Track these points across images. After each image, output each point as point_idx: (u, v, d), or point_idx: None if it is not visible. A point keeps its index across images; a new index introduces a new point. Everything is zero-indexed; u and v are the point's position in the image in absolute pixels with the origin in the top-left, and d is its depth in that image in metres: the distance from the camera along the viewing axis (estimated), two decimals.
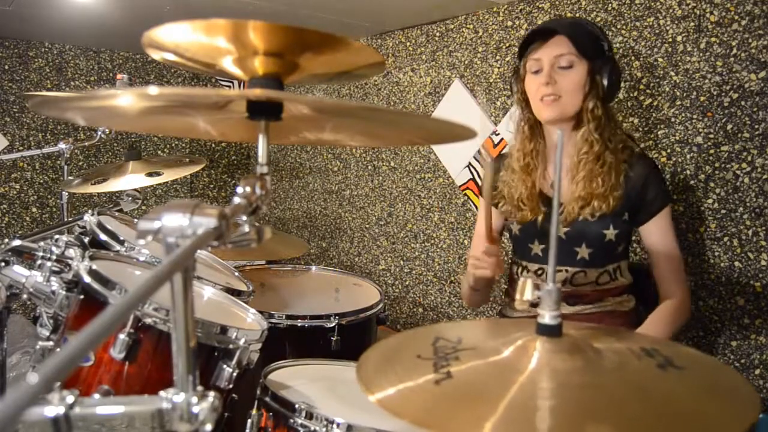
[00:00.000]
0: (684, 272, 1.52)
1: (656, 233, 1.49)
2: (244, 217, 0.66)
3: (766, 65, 1.62)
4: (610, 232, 1.47)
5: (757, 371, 1.67)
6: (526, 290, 0.79)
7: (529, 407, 0.66)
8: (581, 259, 1.50)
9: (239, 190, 0.68)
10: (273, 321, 1.65)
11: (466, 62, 2.48)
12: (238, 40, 0.68)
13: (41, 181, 3.29)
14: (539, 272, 1.58)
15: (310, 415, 1.10)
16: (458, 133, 0.71)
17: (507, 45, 2.32)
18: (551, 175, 1.56)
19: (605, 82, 1.44)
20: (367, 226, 3.02)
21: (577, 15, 2.05)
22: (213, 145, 3.82)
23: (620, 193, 1.45)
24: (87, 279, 1.14)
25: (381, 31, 2.86)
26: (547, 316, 0.76)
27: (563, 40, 1.43)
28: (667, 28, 1.82)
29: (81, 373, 1.07)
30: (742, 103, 1.66)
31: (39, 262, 1.28)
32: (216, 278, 1.52)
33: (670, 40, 1.81)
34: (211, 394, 0.59)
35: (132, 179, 1.96)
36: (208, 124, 0.86)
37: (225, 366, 1.12)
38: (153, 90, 0.58)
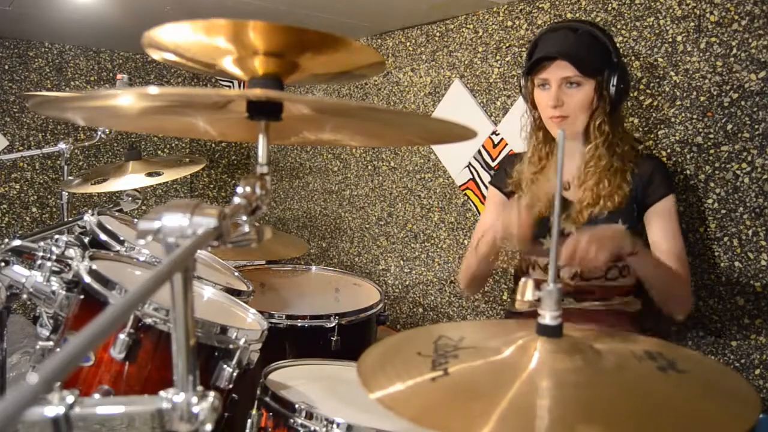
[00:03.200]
0: (686, 260, 1.49)
1: (658, 220, 1.49)
2: (244, 217, 0.66)
3: (766, 65, 1.62)
4: (620, 227, 1.49)
5: (757, 371, 1.67)
6: (526, 291, 0.79)
7: (526, 406, 0.66)
8: None
9: (239, 190, 0.68)
10: (273, 321, 1.65)
11: (466, 62, 2.48)
12: (238, 40, 0.68)
13: (41, 181, 3.29)
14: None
15: (310, 415, 1.10)
16: (458, 133, 0.71)
17: (507, 45, 2.32)
18: (564, 176, 1.58)
19: (613, 93, 1.45)
20: (367, 226, 3.02)
21: (577, 15, 2.05)
22: (213, 145, 3.82)
23: (627, 189, 1.48)
24: (87, 279, 1.14)
25: (381, 31, 2.86)
26: (547, 317, 0.76)
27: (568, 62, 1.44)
28: (667, 28, 1.82)
29: (81, 373, 1.07)
30: (742, 103, 1.66)
31: (39, 262, 1.28)
32: (216, 278, 1.52)
33: (670, 40, 1.81)
34: (211, 394, 0.59)
35: (132, 179, 1.96)
36: (208, 124, 0.86)
37: (225, 366, 1.12)
38: (153, 90, 0.58)
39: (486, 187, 2.42)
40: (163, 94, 0.62)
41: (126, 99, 0.68)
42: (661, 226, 1.50)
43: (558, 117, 1.48)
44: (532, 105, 1.57)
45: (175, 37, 0.69)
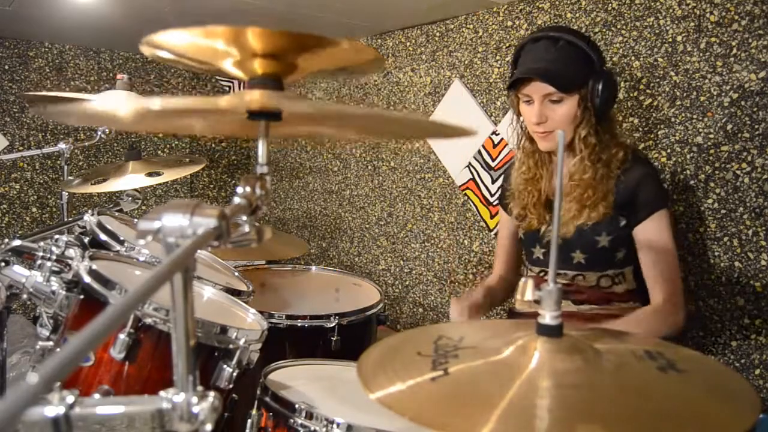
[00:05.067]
0: (676, 281, 1.45)
1: (647, 235, 1.45)
2: (244, 217, 0.66)
3: (766, 65, 1.62)
4: (603, 239, 1.48)
5: (757, 371, 1.67)
6: (526, 291, 0.79)
7: (526, 406, 0.66)
8: (578, 263, 1.53)
9: (239, 190, 0.68)
10: (273, 321, 1.65)
11: (466, 62, 2.48)
12: (237, 43, 0.68)
13: (41, 181, 3.29)
14: (540, 274, 1.62)
15: (310, 415, 1.10)
16: (457, 130, 0.71)
17: (507, 45, 2.32)
18: (555, 183, 1.57)
19: (598, 102, 1.42)
20: (367, 226, 3.02)
21: (577, 15, 2.05)
22: (213, 145, 3.82)
23: (611, 199, 1.45)
24: (87, 279, 1.14)
25: (381, 31, 2.86)
26: (547, 317, 0.76)
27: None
28: (667, 28, 1.82)
29: (81, 373, 1.07)
30: (742, 103, 1.66)
31: (39, 262, 1.28)
32: (216, 278, 1.51)
33: (670, 40, 1.81)
34: (211, 394, 0.59)
35: (132, 179, 1.96)
36: (207, 124, 0.86)
37: (225, 366, 1.12)
38: (155, 105, 0.57)
39: (486, 188, 2.43)
40: (165, 108, 0.62)
41: (125, 108, 0.67)
42: (648, 248, 1.44)
43: (543, 132, 1.46)
44: (519, 116, 1.55)
45: (174, 43, 0.69)
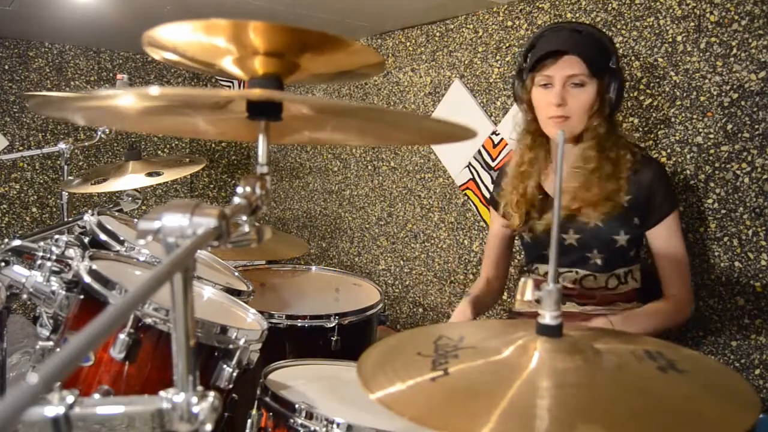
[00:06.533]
0: (688, 276, 1.51)
1: (663, 237, 1.48)
2: (244, 217, 0.66)
3: (766, 65, 1.62)
4: (621, 238, 1.48)
5: (757, 371, 1.67)
6: (526, 291, 0.79)
7: (526, 406, 0.66)
8: (593, 264, 1.52)
9: (239, 190, 0.68)
10: (273, 321, 1.65)
11: (466, 62, 2.48)
12: (238, 40, 0.68)
13: (41, 181, 3.29)
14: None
15: (310, 415, 1.10)
16: (458, 133, 0.71)
17: (507, 45, 2.32)
18: (553, 180, 1.56)
19: (613, 98, 1.43)
20: (367, 226, 3.02)
21: (577, 15, 2.05)
22: (213, 145, 3.82)
23: (624, 198, 1.45)
24: (87, 279, 1.14)
25: (381, 31, 2.86)
26: (547, 316, 0.76)
27: (576, 60, 1.39)
28: (667, 28, 1.82)
29: (81, 373, 1.07)
30: (742, 103, 1.66)
31: (39, 262, 1.28)
32: (216, 278, 1.52)
33: (670, 40, 1.81)
34: (211, 394, 0.59)
35: (132, 179, 1.96)
36: (208, 124, 0.86)
37: (225, 366, 1.12)
38: (154, 90, 0.58)
39: (486, 188, 2.43)
40: (164, 95, 0.62)
41: (126, 99, 0.67)
42: (665, 240, 1.48)
43: (560, 117, 1.42)
44: (528, 106, 1.51)
45: (175, 37, 0.69)
